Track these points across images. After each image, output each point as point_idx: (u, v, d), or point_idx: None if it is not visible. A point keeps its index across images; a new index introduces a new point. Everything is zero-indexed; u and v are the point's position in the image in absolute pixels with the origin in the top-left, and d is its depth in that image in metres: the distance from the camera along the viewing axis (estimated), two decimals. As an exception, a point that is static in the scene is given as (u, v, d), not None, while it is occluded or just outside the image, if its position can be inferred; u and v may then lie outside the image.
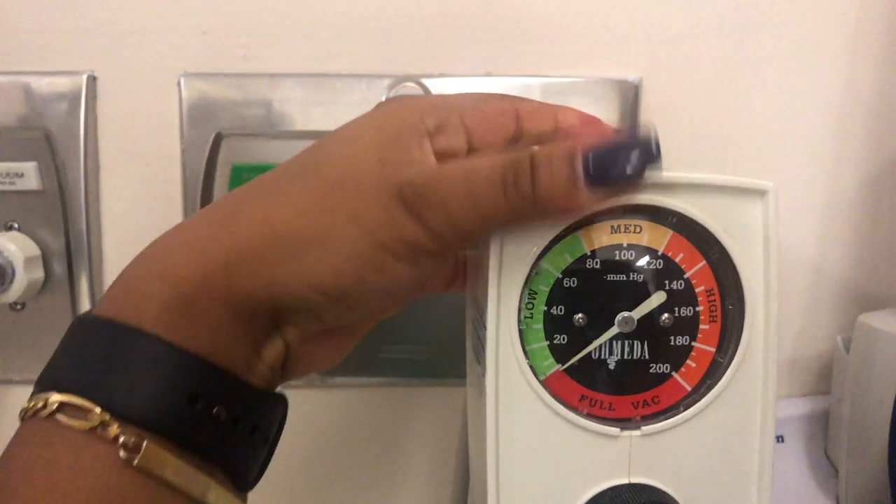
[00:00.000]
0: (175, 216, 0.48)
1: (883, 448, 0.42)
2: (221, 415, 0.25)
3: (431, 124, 0.28)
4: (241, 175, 0.47)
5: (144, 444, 0.24)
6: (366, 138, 0.27)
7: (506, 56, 0.47)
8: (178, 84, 0.47)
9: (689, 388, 0.30)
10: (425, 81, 0.46)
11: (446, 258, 0.33)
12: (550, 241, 0.28)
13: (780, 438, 0.48)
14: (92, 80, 0.47)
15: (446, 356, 0.49)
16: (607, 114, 0.47)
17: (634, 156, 0.25)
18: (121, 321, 0.25)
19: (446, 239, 0.26)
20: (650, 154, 0.25)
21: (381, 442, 0.51)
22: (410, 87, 0.46)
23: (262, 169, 0.48)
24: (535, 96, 0.47)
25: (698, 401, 0.30)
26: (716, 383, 0.30)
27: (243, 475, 0.28)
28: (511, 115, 0.30)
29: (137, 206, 0.48)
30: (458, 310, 0.48)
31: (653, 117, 0.47)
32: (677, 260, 0.29)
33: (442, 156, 0.27)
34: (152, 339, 0.25)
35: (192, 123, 0.47)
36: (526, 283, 0.29)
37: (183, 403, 0.25)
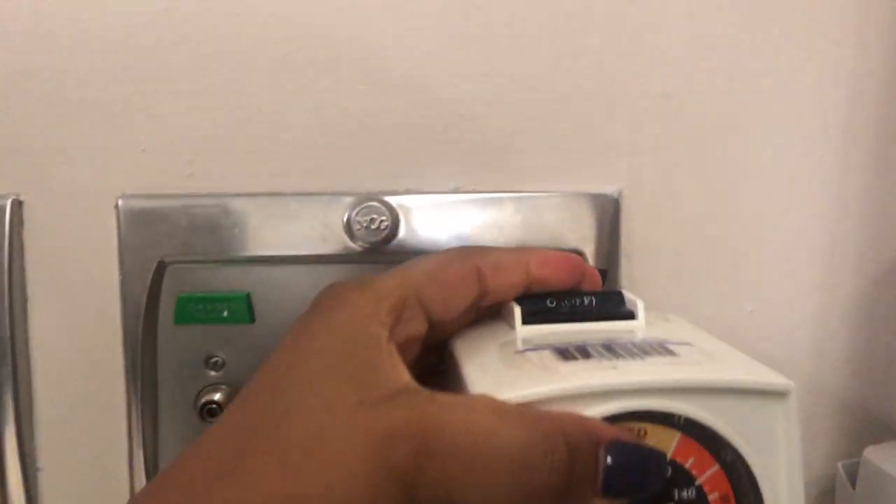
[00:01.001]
0: (115, 353, 0.43)
1: None
2: None
3: (390, 318, 0.24)
4: (186, 307, 0.42)
5: None
6: (334, 368, 0.23)
7: (475, 170, 0.43)
8: (116, 206, 0.42)
9: None
10: (390, 199, 0.43)
11: None
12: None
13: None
14: (17, 204, 0.42)
15: None
16: (586, 230, 0.44)
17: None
18: None
19: None
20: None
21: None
22: (374, 207, 0.42)
23: (209, 300, 0.44)
24: (508, 212, 0.43)
25: None
26: None
27: None
28: (472, 278, 0.29)
29: (72, 343, 0.43)
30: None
31: (635, 231, 0.44)
32: (687, 465, 0.26)
33: (402, 348, 0.25)
34: None
35: (132, 250, 0.42)
36: None
37: None
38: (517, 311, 0.31)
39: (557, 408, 0.24)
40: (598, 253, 0.44)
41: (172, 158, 0.43)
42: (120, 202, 0.42)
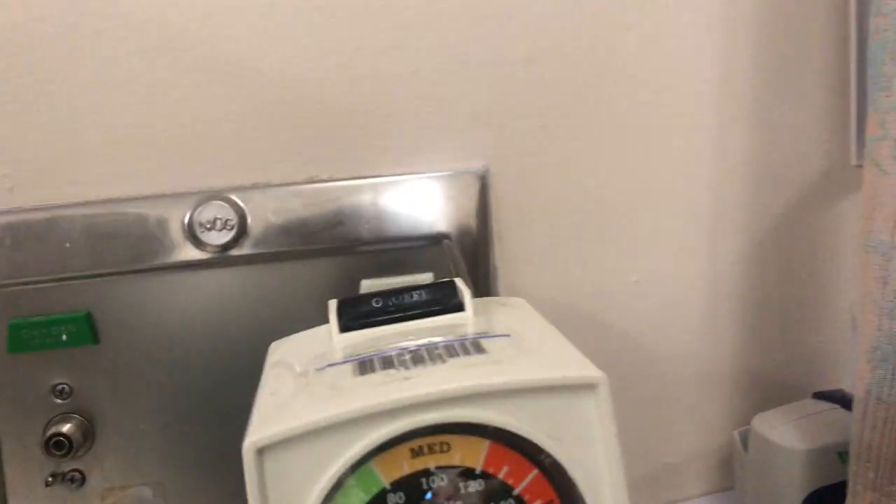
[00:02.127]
0: (-52, 389, 0.39)
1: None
2: None
3: None
4: (20, 333, 0.39)
5: None
6: None
7: (331, 157, 0.40)
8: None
9: None
10: (235, 196, 0.39)
11: None
12: (337, 479, 0.22)
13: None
14: None
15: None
16: (452, 212, 0.41)
17: None
18: None
19: None
20: None
21: None
22: (218, 205, 0.39)
23: (44, 325, 0.40)
24: (368, 198, 0.40)
25: None
26: None
27: None
28: None
29: None
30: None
31: (506, 209, 0.42)
32: (501, 475, 0.23)
33: None
34: None
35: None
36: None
37: None
38: (334, 319, 0.28)
39: (343, 433, 0.21)
40: (466, 235, 0.41)
41: (-11, 171, 0.39)
42: (-66, 224, 0.38)
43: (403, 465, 0.22)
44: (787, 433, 0.37)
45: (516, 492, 0.23)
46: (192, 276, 0.40)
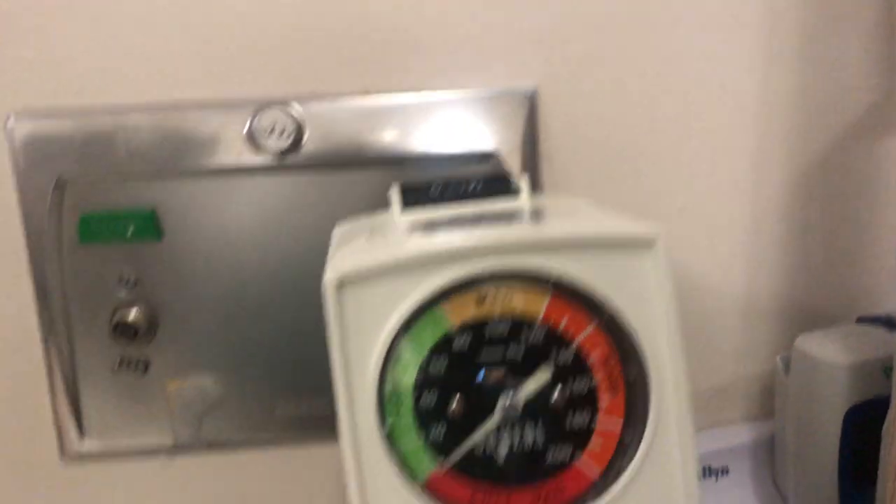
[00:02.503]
0: (21, 278, 0.41)
1: (831, 477, 0.38)
2: None
3: None
4: (90, 226, 0.41)
5: None
6: None
7: (384, 72, 0.41)
8: (7, 124, 0.40)
9: (596, 475, 0.25)
10: (294, 105, 0.40)
11: None
12: (406, 320, 0.23)
13: (724, 470, 0.43)
14: None
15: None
16: (501, 131, 0.41)
17: None
18: None
19: None
20: None
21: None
22: (277, 114, 0.40)
23: (112, 219, 0.42)
24: (419, 113, 0.41)
25: (608, 487, 0.24)
26: (626, 466, 0.25)
27: None
28: None
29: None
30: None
31: (554, 130, 0.42)
32: (561, 328, 0.24)
33: None
34: None
35: (28, 170, 0.40)
36: (383, 374, 0.23)
37: None
38: (396, 196, 0.29)
39: (407, 273, 0.22)
40: (514, 154, 0.41)
41: (65, 72, 0.40)
42: (12, 119, 0.40)
43: (470, 310, 0.23)
44: (830, 349, 0.37)
45: (574, 344, 0.24)
46: (250, 180, 0.41)
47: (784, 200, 0.44)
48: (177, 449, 0.44)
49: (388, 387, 0.23)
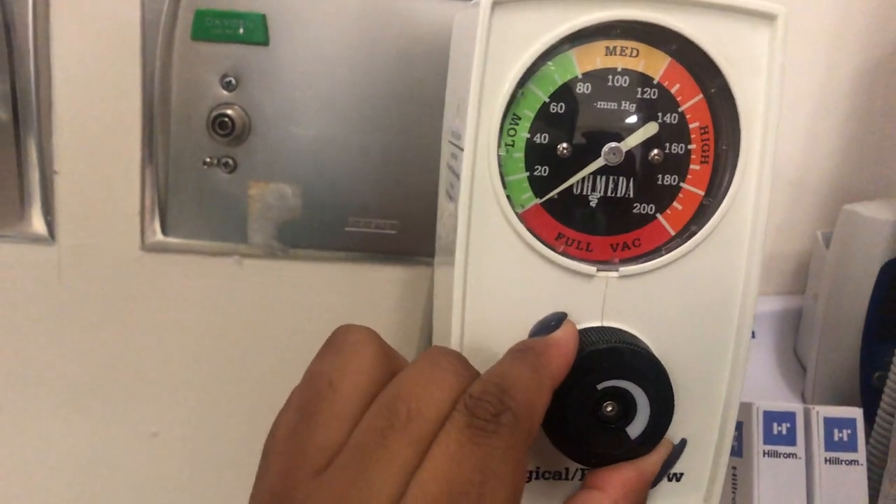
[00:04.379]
0: (132, 63, 0.44)
1: (854, 341, 0.42)
2: None
3: None
4: (204, 20, 0.43)
5: None
6: None
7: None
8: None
9: (672, 233, 0.28)
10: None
11: None
12: (539, 59, 0.26)
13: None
14: None
15: (416, 233, 0.47)
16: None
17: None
18: None
19: None
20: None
21: (341, 322, 0.49)
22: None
23: (227, 15, 0.45)
24: None
25: (681, 245, 0.28)
26: (700, 229, 0.28)
27: None
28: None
29: (90, 50, 0.44)
30: (432, 185, 0.46)
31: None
32: (673, 91, 0.27)
33: None
34: None
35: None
36: (509, 105, 0.26)
37: None
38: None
39: (551, 9, 0.25)
40: None
41: None
42: (145, -89, 0.43)
43: (597, 59, 0.27)
44: (874, 208, 0.40)
45: (681, 108, 0.27)
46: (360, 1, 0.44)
47: (852, 87, 0.46)
48: (250, 251, 0.47)
49: (509, 118, 0.27)
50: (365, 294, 0.48)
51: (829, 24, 0.46)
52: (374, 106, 0.45)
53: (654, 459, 0.27)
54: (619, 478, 0.26)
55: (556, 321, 0.27)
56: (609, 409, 0.26)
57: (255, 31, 0.44)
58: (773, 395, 0.45)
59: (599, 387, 0.26)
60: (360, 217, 0.47)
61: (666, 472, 0.28)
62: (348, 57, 0.45)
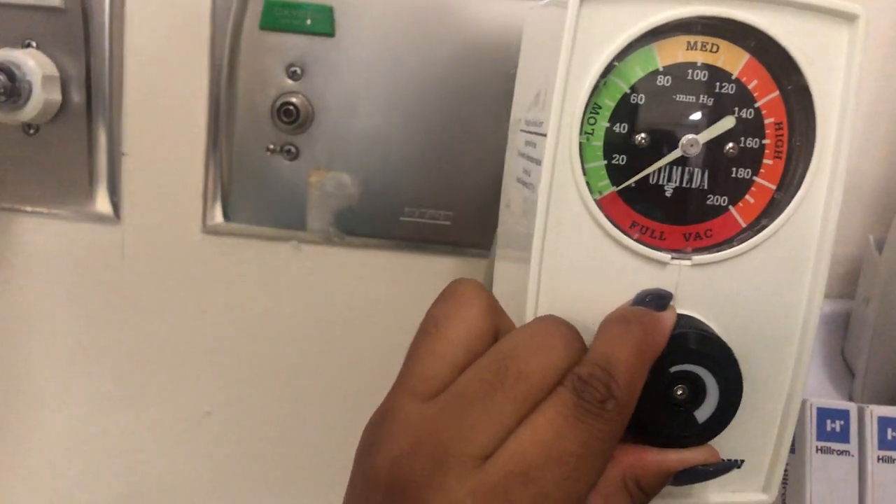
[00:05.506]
0: (201, 50, 0.46)
1: (905, 346, 0.42)
2: None
3: None
4: (272, 10, 0.45)
5: None
6: None
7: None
8: None
9: (744, 224, 0.29)
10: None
11: None
12: (622, 51, 0.27)
13: (798, 336, 0.47)
14: None
15: (471, 224, 0.48)
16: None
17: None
18: None
19: None
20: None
21: (393, 310, 0.50)
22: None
23: (295, 6, 0.46)
24: None
25: (751, 237, 0.29)
26: (772, 222, 0.29)
27: None
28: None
29: (162, 36, 0.46)
30: (487, 178, 0.47)
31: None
32: (750, 87, 0.28)
33: None
34: None
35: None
36: (592, 94, 0.27)
37: None
38: None
39: (636, 4, 0.26)
40: None
41: None
42: None
43: (678, 53, 0.27)
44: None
45: (758, 104, 0.28)
46: (425, -4, 0.45)
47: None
48: (308, 237, 0.49)
49: (590, 107, 0.27)
50: (416, 283, 0.49)
51: (885, 31, 0.46)
52: (432, 100, 0.46)
53: (683, 456, 0.27)
54: (636, 454, 0.27)
55: (663, 297, 0.28)
56: (679, 392, 0.27)
57: (322, 22, 0.45)
58: (820, 395, 0.46)
59: (672, 370, 0.27)
60: (415, 207, 0.48)
61: (702, 479, 0.28)
62: (409, 51, 0.46)
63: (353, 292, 0.49)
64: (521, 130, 0.32)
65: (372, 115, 0.47)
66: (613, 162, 0.28)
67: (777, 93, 0.28)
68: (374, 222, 0.48)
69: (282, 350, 0.50)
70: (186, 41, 0.46)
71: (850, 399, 0.46)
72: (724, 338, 0.28)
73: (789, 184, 0.29)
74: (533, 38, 0.33)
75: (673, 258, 0.28)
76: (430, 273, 0.49)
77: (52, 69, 0.45)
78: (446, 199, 0.48)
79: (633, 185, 0.28)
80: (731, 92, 0.28)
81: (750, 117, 0.28)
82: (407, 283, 0.49)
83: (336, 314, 0.49)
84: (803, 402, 0.37)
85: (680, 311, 0.28)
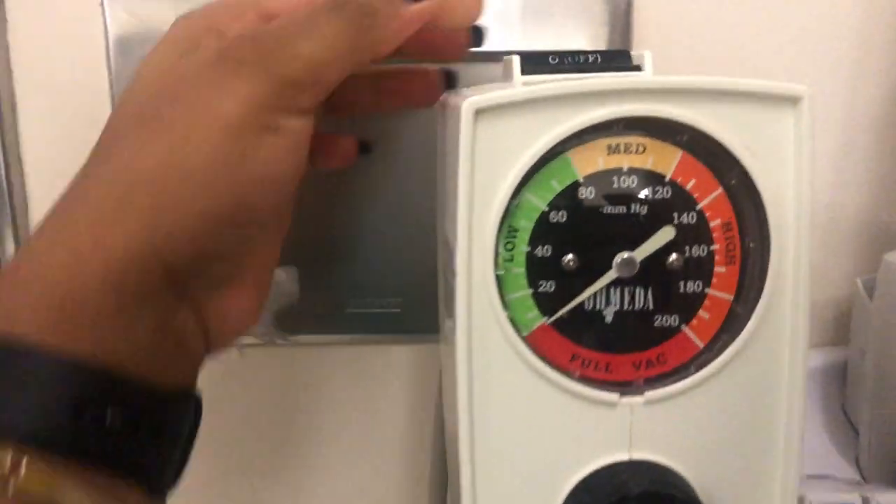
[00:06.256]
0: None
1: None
2: (116, 422, 0.22)
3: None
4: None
5: (24, 463, 0.20)
6: None
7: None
8: (101, 4, 0.40)
9: (701, 345, 0.25)
10: None
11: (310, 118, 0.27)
12: (534, 165, 0.23)
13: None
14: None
15: (421, 309, 0.44)
16: (595, 18, 0.40)
17: None
18: None
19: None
20: None
21: (348, 407, 0.46)
22: None
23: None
24: (514, 11, 0.40)
25: (712, 360, 0.24)
26: (733, 339, 0.24)
27: (155, 482, 0.24)
28: None
29: (63, 141, 0.42)
30: (433, 256, 0.43)
31: (649, 24, 0.41)
32: (688, 188, 0.24)
33: None
34: (23, 347, 0.21)
35: (120, 51, 0.41)
36: (504, 217, 0.23)
37: (67, 416, 0.21)
38: (516, 61, 0.28)
39: (542, 111, 0.22)
40: (607, 45, 0.40)
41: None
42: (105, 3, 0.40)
43: (598, 160, 0.23)
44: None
45: (699, 206, 0.24)
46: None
47: (881, 115, 0.43)
48: (251, 341, 0.45)
49: (505, 231, 0.23)
50: (369, 376, 0.45)
51: (852, 53, 0.42)
52: (369, 181, 0.42)
53: None
54: None
55: None
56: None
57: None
58: (825, 461, 0.41)
59: (631, 538, 0.23)
60: (360, 298, 0.44)
61: None
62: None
63: (303, 393, 0.45)
64: (441, 247, 0.28)
65: (303, 209, 0.42)
66: (541, 290, 0.24)
67: (720, 190, 0.24)
68: (317, 319, 0.44)
69: (234, 465, 0.46)
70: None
71: (857, 462, 0.41)
72: (694, 480, 0.24)
73: (748, 292, 0.24)
74: (443, 141, 0.29)
75: (622, 395, 0.24)
76: (382, 364, 0.45)
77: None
78: (394, 285, 0.44)
79: (566, 315, 0.24)
80: (666, 196, 0.24)
81: (692, 222, 0.24)
82: (359, 377, 0.45)
83: (287, 417, 0.46)
84: (801, 500, 0.33)
85: (637, 456, 0.24)
